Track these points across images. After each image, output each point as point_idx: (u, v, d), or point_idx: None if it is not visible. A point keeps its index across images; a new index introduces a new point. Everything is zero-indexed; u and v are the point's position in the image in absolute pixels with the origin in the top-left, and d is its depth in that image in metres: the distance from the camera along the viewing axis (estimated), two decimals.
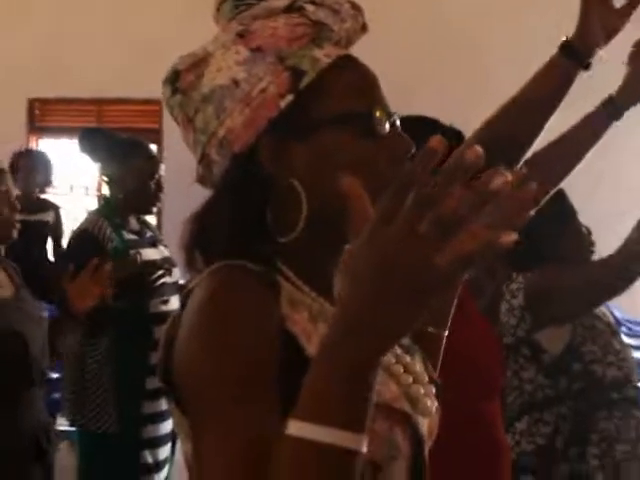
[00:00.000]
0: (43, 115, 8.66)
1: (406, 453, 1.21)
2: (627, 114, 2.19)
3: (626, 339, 6.07)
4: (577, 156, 2.11)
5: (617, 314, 6.90)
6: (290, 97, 1.21)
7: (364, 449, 0.91)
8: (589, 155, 2.13)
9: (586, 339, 2.88)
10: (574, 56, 1.96)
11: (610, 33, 2.00)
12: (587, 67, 1.97)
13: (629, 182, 7.18)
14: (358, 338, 0.88)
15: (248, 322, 1.10)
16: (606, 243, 2.95)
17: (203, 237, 1.26)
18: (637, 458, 2.87)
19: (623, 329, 6.81)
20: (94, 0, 8.05)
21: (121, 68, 7.55)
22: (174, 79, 1.29)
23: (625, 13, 2.01)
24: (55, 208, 6.81)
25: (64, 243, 5.73)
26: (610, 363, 2.87)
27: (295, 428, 0.91)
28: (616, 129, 2.18)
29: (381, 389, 1.14)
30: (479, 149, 0.80)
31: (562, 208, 2.93)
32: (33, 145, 8.30)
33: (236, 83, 1.23)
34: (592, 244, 3.11)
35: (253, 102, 1.22)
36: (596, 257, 3.10)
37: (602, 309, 3.04)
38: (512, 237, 0.80)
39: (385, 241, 0.85)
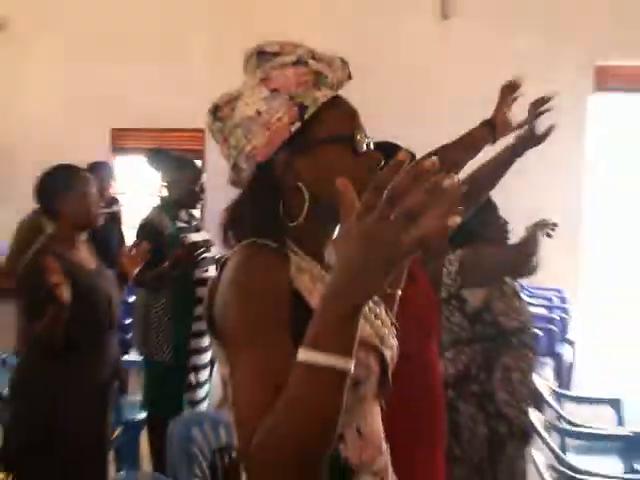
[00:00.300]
0: (121, 140, 8.63)
1: (376, 373, 1.23)
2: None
3: (528, 300, 6.13)
4: (497, 176, 2.31)
5: (522, 282, 6.96)
6: (298, 124, 1.24)
7: (351, 369, 0.93)
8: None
9: (496, 298, 2.87)
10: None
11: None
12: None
13: (538, 183, 7.13)
14: (348, 294, 0.91)
15: (267, 281, 1.13)
16: (519, 231, 2.97)
17: (235, 223, 1.27)
18: (527, 383, 2.88)
19: (525, 293, 6.84)
20: (157, 55, 8.00)
21: (176, 105, 7.52)
22: (215, 111, 1.31)
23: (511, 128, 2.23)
24: (117, 202, 6.79)
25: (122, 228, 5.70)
26: (512, 317, 2.87)
27: (302, 354, 0.93)
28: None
29: (361, 329, 1.15)
30: (433, 159, 0.84)
31: (488, 204, 2.93)
32: (114, 162, 8.31)
33: (259, 114, 1.24)
34: (508, 231, 3.10)
35: (272, 127, 1.23)
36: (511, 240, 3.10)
37: (509, 279, 3.04)
38: (456, 221, 0.83)
39: (366, 225, 0.87)
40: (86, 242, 3.00)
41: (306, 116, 1.23)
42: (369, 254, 0.88)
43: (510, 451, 2.80)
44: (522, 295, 3.10)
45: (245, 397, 1.05)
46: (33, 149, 4.41)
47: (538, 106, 2.22)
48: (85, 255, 2.93)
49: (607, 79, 7.74)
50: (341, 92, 1.32)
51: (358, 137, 1.25)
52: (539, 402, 3.80)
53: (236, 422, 1.07)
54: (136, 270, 3.19)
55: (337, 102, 1.28)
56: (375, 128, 1.60)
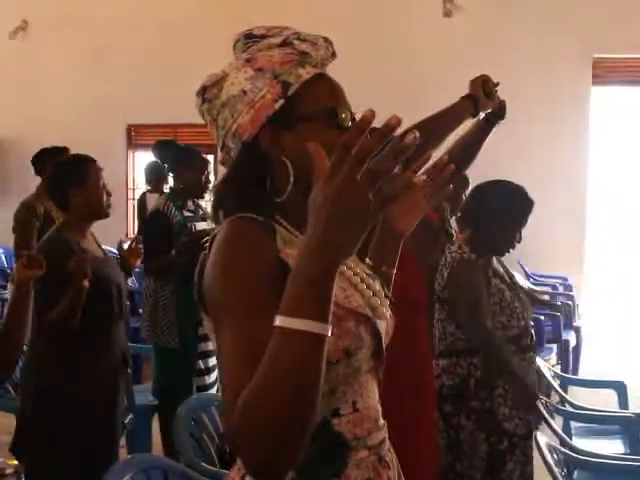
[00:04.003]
0: (137, 136, 8.67)
1: (368, 344, 1.21)
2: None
3: (533, 287, 6.07)
4: (443, 134, 2.20)
5: (527, 269, 6.90)
6: (281, 101, 1.21)
7: (327, 333, 0.91)
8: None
9: (495, 313, 2.70)
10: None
11: None
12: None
13: (542, 173, 7.05)
14: (319, 254, 0.89)
15: (251, 253, 1.12)
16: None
17: (223, 200, 1.26)
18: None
19: (531, 280, 6.78)
20: (172, 52, 7.99)
21: (190, 101, 7.47)
22: (203, 92, 1.28)
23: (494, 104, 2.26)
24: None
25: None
26: (512, 326, 2.72)
27: (277, 320, 0.91)
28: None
29: (351, 299, 1.19)
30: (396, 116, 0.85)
31: (518, 222, 2.78)
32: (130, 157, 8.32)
33: (244, 92, 1.22)
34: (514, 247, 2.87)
35: (256, 105, 1.22)
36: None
37: (515, 276, 2.94)
38: (420, 179, 0.83)
39: (335, 186, 0.87)
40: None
41: (289, 93, 1.21)
42: (337, 214, 0.87)
43: (511, 466, 2.69)
44: (526, 283, 2.98)
45: (229, 366, 1.03)
46: (50, 146, 4.40)
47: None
48: (92, 244, 2.92)
49: (605, 72, 7.69)
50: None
51: (341, 113, 1.22)
52: (542, 388, 3.74)
53: (221, 390, 1.05)
54: (138, 261, 3.18)
55: (321, 79, 1.25)
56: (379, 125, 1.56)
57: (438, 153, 1.94)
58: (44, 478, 2.73)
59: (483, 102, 2.22)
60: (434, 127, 2.11)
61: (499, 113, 2.35)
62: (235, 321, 1.05)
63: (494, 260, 2.85)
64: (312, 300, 0.90)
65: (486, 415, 2.66)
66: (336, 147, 0.87)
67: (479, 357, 2.68)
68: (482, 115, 2.30)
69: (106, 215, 2.90)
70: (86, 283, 2.58)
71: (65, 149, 4.30)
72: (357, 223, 0.88)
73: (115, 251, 4.17)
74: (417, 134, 0.86)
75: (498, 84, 2.28)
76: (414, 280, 2.15)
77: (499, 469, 2.68)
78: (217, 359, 1.11)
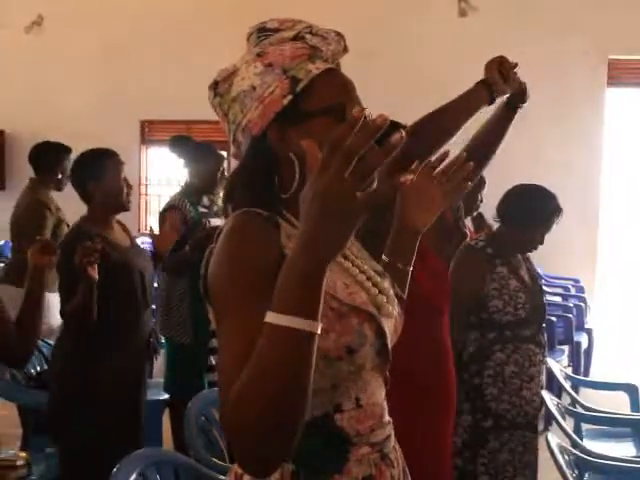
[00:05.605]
0: (150, 132, 8.68)
1: (372, 341, 1.20)
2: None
3: (546, 289, 6.04)
4: (455, 127, 2.03)
5: (540, 271, 6.86)
6: (290, 97, 1.20)
7: (316, 331, 0.91)
8: None
9: (494, 297, 2.72)
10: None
11: None
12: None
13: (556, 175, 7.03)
14: (308, 251, 0.90)
15: (255, 246, 1.12)
16: None
17: (231, 195, 1.27)
18: (522, 375, 2.74)
19: (543, 282, 6.74)
20: (186, 49, 8.00)
21: (203, 98, 7.48)
22: (215, 86, 1.28)
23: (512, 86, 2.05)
24: None
25: None
26: (506, 312, 2.72)
27: (267, 316, 0.91)
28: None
29: (354, 296, 1.18)
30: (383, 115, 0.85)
31: (545, 227, 2.82)
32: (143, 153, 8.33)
33: (254, 88, 1.22)
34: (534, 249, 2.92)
35: (265, 100, 1.21)
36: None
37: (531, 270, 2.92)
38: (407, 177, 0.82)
39: (322, 183, 0.87)
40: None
41: (298, 88, 1.20)
42: (325, 211, 0.87)
43: (495, 445, 2.69)
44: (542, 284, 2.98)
45: (225, 357, 1.04)
46: (65, 141, 4.39)
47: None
48: (120, 234, 2.98)
49: (620, 73, 7.65)
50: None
51: (350, 108, 1.21)
52: (553, 388, 3.72)
53: (218, 384, 1.06)
54: (168, 250, 3.26)
55: (331, 74, 1.24)
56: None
57: (456, 148, 1.90)
58: (77, 459, 2.79)
59: (499, 87, 2.01)
60: (443, 120, 1.97)
61: (520, 97, 2.13)
62: (235, 313, 1.06)
63: (519, 257, 2.88)
64: (301, 297, 0.90)
65: (473, 390, 2.68)
66: (325, 144, 0.87)
67: (474, 335, 2.71)
68: (499, 101, 2.11)
69: (125, 208, 2.95)
70: (94, 275, 2.60)
71: (66, 148, 4.29)
72: (344, 220, 0.88)
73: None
74: (403, 134, 0.87)
75: (516, 65, 2.07)
76: (435, 279, 2.11)
77: (480, 445, 2.68)
78: (217, 350, 1.12)
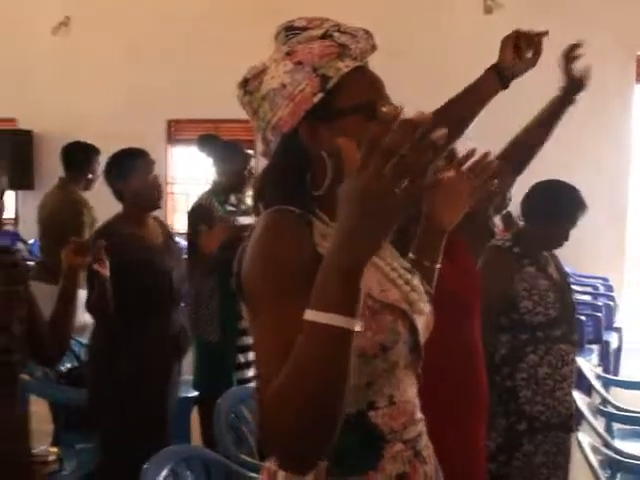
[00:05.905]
0: (177, 131, 8.73)
1: (405, 338, 1.20)
2: None
3: (575, 288, 5.98)
4: (547, 130, 2.08)
5: (568, 270, 6.80)
6: (320, 95, 1.21)
7: (356, 328, 0.91)
8: None
9: (524, 298, 2.68)
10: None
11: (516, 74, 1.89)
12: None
13: (584, 174, 6.98)
14: (347, 248, 0.90)
15: (288, 243, 1.13)
16: None
17: (263, 193, 1.27)
18: (555, 376, 2.70)
19: (572, 280, 6.68)
20: (212, 48, 8.03)
21: (230, 97, 7.50)
22: (244, 84, 1.28)
23: (531, 62, 1.91)
24: None
25: None
26: (537, 312, 2.68)
27: (307, 314, 0.92)
28: None
29: (387, 294, 1.19)
30: (426, 114, 0.85)
31: (570, 224, 2.78)
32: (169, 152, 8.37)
33: (284, 86, 1.22)
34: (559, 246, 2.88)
35: (295, 99, 1.21)
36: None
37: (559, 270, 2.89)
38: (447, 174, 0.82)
39: (363, 179, 0.87)
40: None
41: (328, 86, 1.20)
42: (364, 210, 0.88)
43: (530, 448, 2.66)
44: (565, 272, 2.93)
45: (262, 354, 1.05)
46: (92, 141, 4.44)
47: (569, 53, 2.14)
48: (154, 231, 3.04)
49: None
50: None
51: (381, 106, 1.20)
52: (583, 387, 3.68)
53: (256, 380, 1.09)
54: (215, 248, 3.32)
55: (360, 72, 1.24)
56: None
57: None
58: (113, 454, 2.88)
59: (511, 69, 1.85)
60: (456, 112, 1.84)
61: (576, 87, 2.01)
62: (269, 310, 1.07)
63: (546, 255, 2.85)
64: (340, 294, 0.91)
65: (506, 393, 2.65)
66: (364, 141, 0.87)
67: (506, 337, 2.68)
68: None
69: (156, 206, 3.02)
70: (105, 272, 2.68)
71: (95, 149, 4.36)
72: (383, 217, 0.88)
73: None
74: (446, 131, 0.86)
75: (544, 34, 1.89)
76: (465, 277, 2.09)
77: (514, 448, 2.65)
78: (253, 347, 1.13)
